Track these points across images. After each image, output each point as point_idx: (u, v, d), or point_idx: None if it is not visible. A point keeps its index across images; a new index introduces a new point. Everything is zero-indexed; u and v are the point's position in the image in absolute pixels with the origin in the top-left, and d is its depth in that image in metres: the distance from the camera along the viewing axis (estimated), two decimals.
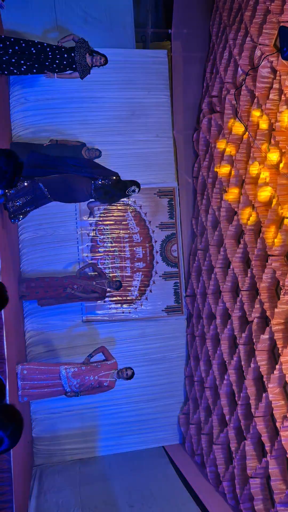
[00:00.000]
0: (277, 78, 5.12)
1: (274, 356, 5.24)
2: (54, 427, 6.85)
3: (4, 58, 5.65)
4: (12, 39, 5.68)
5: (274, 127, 5.08)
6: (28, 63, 5.78)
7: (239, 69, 6.05)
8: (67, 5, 6.93)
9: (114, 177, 5.67)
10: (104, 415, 7.01)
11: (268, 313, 5.10)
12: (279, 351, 4.81)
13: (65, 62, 5.89)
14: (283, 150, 4.85)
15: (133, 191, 5.75)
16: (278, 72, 5.04)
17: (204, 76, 7.45)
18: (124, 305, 7.29)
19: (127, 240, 7.42)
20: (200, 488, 5.98)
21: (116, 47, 7.25)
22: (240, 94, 5.96)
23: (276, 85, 5.17)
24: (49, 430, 6.83)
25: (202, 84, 7.51)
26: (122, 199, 6.32)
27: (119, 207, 7.43)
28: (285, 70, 4.86)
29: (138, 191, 5.82)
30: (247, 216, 5.77)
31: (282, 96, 4.94)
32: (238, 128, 6.12)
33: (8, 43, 5.63)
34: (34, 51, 5.76)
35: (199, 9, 7.35)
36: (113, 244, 7.36)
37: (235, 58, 6.18)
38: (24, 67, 5.81)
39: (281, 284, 4.93)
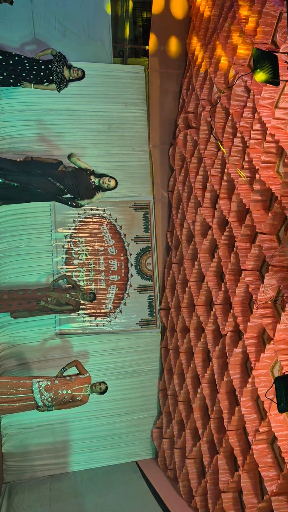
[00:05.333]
0: (251, 97, 5.25)
1: (247, 370, 5.29)
2: (25, 442, 6.72)
3: None
4: None
5: (248, 144, 5.20)
6: (4, 74, 5.79)
7: (214, 87, 6.19)
8: (45, 19, 6.95)
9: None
10: (76, 430, 6.92)
11: (241, 327, 5.15)
12: (252, 365, 4.86)
13: (42, 74, 5.91)
14: (257, 167, 4.96)
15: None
16: (252, 91, 5.18)
17: (181, 92, 7.58)
18: (98, 318, 7.25)
19: (102, 252, 7.40)
20: (172, 503, 5.93)
21: (94, 61, 7.30)
22: (216, 111, 6.09)
23: (250, 104, 5.31)
24: (20, 445, 6.69)
25: (178, 100, 7.64)
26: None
27: (95, 220, 7.42)
28: (259, 90, 4.99)
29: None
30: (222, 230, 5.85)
31: (256, 114, 5.07)
32: (212, 144, 6.24)
33: None
34: (11, 62, 5.78)
35: (176, 28, 7.50)
36: (88, 257, 7.33)
37: (210, 76, 6.32)
38: (1, 77, 5.80)
39: (254, 298, 5.00)
